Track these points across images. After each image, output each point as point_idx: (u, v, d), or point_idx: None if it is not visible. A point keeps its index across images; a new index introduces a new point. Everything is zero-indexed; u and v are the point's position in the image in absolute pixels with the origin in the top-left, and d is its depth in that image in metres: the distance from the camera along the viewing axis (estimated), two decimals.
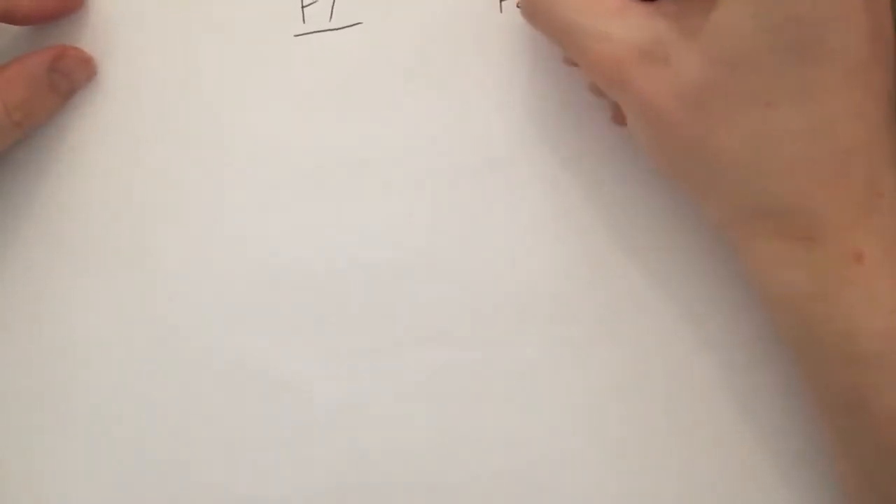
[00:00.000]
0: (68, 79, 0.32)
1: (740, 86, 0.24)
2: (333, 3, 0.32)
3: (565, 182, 0.32)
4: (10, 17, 0.31)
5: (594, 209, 0.32)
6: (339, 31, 0.32)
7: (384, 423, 0.32)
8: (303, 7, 0.32)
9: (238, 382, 0.32)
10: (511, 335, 0.32)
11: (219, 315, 0.32)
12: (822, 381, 0.26)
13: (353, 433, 0.32)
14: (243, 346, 0.32)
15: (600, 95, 0.29)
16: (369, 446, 0.32)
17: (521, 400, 0.32)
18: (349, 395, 0.32)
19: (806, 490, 0.31)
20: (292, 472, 0.32)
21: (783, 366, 0.30)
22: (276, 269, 0.32)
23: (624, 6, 0.26)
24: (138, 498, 0.33)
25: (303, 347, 0.32)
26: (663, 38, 0.25)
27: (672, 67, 0.25)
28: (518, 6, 0.30)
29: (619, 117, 0.29)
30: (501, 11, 0.32)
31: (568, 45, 0.27)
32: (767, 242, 0.26)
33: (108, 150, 0.33)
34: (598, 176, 0.31)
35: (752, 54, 0.24)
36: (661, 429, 0.31)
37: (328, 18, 0.32)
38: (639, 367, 0.31)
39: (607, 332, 0.31)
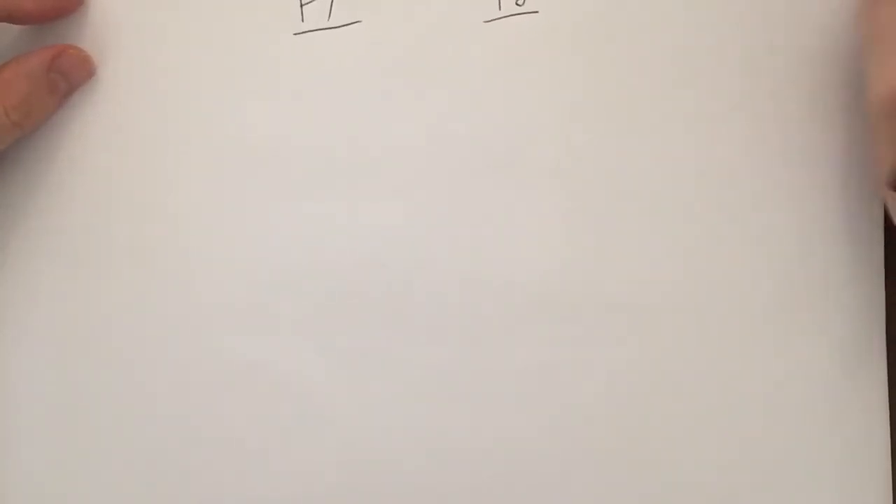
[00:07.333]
0: (67, 78, 0.32)
1: None
2: (332, 1, 0.32)
3: (566, 182, 0.31)
4: (11, 17, 0.31)
5: (595, 209, 0.31)
6: (337, 29, 0.32)
7: (384, 424, 0.32)
8: (301, 6, 0.32)
9: (237, 382, 0.32)
10: (511, 335, 0.32)
11: (218, 315, 0.32)
12: None
13: (353, 433, 0.32)
14: (243, 346, 0.32)
15: None
16: (369, 446, 0.32)
17: (520, 400, 0.32)
18: (349, 395, 0.32)
19: (801, 489, 0.30)
20: (292, 472, 0.32)
21: (785, 366, 0.30)
22: (276, 268, 0.32)
23: None
24: (137, 497, 0.33)
25: (303, 348, 0.32)
26: None
27: None
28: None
29: None
30: (500, 9, 0.31)
31: None
32: None
33: (108, 149, 0.33)
34: (598, 176, 0.31)
35: None
36: (662, 429, 0.31)
37: (327, 17, 0.32)
38: (639, 368, 0.31)
39: (607, 332, 0.31)
